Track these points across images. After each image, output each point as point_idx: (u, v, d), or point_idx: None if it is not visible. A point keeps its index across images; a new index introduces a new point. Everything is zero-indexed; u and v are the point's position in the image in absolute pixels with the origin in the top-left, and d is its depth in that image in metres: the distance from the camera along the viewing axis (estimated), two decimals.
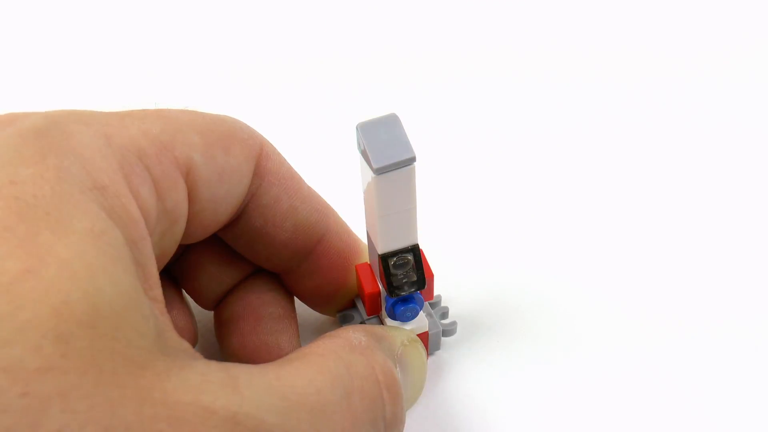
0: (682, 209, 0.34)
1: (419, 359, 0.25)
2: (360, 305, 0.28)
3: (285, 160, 0.25)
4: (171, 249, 0.22)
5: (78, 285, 0.16)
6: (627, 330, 0.29)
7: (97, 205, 0.17)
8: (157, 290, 0.19)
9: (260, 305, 0.26)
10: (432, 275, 0.25)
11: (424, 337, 0.27)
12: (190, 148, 0.21)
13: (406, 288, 0.24)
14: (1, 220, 0.16)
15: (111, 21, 0.49)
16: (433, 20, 0.48)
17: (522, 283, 0.31)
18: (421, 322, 0.26)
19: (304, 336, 0.29)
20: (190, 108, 0.23)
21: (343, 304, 0.28)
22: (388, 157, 0.20)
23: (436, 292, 0.28)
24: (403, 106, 0.39)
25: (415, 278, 0.24)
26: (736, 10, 0.47)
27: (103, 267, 0.16)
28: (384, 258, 0.23)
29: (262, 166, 0.24)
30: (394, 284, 0.24)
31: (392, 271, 0.24)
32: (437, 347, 0.28)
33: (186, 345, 0.19)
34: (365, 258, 0.26)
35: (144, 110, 0.21)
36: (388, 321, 0.26)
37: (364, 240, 0.26)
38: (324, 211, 0.26)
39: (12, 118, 0.19)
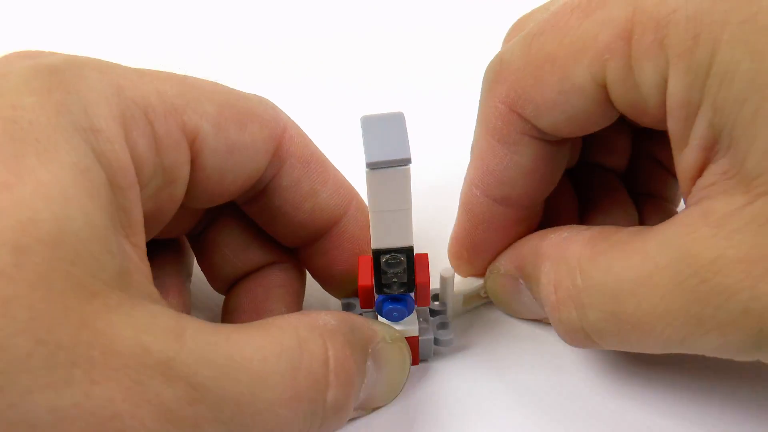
0: None
1: (398, 359, 0.25)
2: None
3: (311, 143, 0.26)
4: (170, 207, 0.23)
5: (48, 207, 0.17)
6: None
7: (87, 144, 0.19)
8: (140, 237, 0.20)
9: (265, 300, 0.27)
10: (428, 281, 0.25)
11: (414, 341, 0.27)
12: (202, 116, 0.22)
13: (394, 288, 0.25)
14: None
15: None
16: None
17: None
18: (411, 325, 0.26)
19: None
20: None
21: (351, 289, 0.28)
22: (382, 155, 0.21)
23: (448, 301, 0.28)
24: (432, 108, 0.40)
25: (405, 280, 0.24)
26: None
27: (77, 198, 0.18)
28: (376, 254, 0.24)
29: (284, 148, 0.25)
30: (383, 282, 0.24)
31: (383, 268, 0.24)
32: (429, 355, 0.28)
33: (152, 290, 0.20)
34: None
35: (169, 73, 0.23)
36: (381, 317, 0.26)
37: None
38: (347, 195, 0.27)
39: (35, 54, 0.21)
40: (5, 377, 0.16)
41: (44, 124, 0.18)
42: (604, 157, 0.30)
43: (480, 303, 0.30)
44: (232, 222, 0.27)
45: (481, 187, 0.26)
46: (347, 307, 0.28)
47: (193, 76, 0.23)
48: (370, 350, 0.24)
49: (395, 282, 0.24)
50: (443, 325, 0.28)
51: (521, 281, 0.27)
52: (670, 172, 0.29)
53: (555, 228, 0.26)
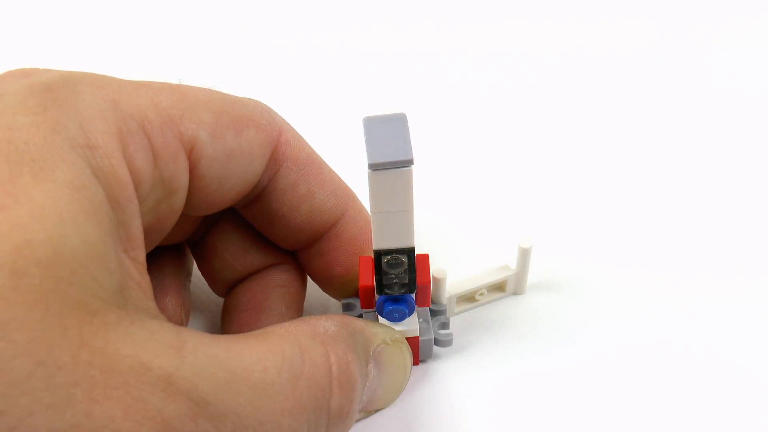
0: (674, 216, 0.34)
1: (399, 360, 0.25)
2: None
3: (307, 145, 0.26)
4: (171, 218, 0.23)
5: (45, 228, 0.17)
6: (629, 343, 0.29)
7: (84, 161, 0.18)
8: (140, 251, 0.20)
9: (264, 300, 0.27)
10: (429, 282, 0.25)
11: (414, 342, 0.26)
12: (198, 125, 0.22)
13: (395, 288, 0.24)
14: None
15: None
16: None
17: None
18: (411, 325, 0.26)
19: None
20: (216, 88, 0.24)
21: (351, 290, 0.28)
22: (384, 156, 0.20)
23: (443, 302, 0.28)
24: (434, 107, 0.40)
25: (406, 281, 0.24)
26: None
27: (74, 217, 0.17)
28: (377, 254, 0.23)
29: (281, 152, 0.25)
30: (384, 282, 0.24)
31: (384, 269, 0.24)
32: (429, 355, 0.28)
33: (151, 305, 0.19)
34: None
35: (164, 83, 0.22)
36: (381, 318, 0.26)
37: None
38: (344, 196, 0.26)
39: (30, 72, 0.20)
40: (5, 400, 0.15)
41: (40, 144, 0.18)
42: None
43: (474, 306, 0.30)
44: (230, 227, 0.27)
45: None
46: (348, 308, 0.28)
47: (190, 78, 0.23)
48: (371, 353, 0.24)
49: (396, 283, 0.24)
50: (443, 326, 0.28)
51: None
52: None
53: None
